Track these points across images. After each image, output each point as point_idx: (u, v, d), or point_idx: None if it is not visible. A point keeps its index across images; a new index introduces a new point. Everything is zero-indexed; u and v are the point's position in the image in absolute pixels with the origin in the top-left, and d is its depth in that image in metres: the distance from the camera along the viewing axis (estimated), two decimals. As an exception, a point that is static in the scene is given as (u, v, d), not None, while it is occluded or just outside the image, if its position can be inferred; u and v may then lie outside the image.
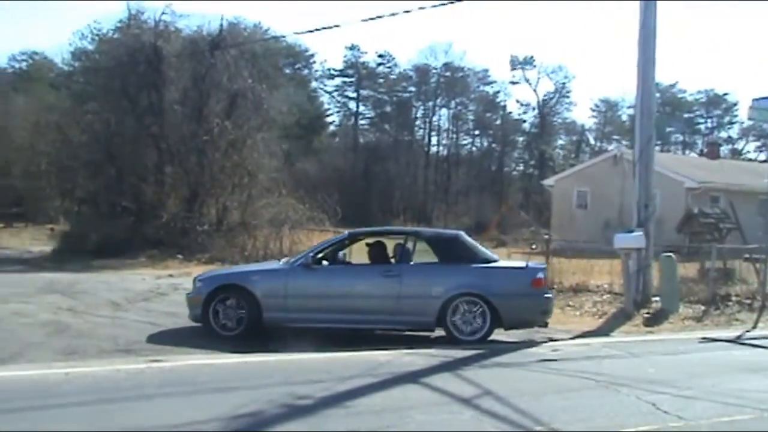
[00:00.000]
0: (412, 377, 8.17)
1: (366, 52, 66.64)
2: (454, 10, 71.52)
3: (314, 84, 67.12)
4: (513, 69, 66.78)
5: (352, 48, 65.88)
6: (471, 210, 54.29)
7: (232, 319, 10.57)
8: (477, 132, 69.29)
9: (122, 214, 25.56)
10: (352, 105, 68.71)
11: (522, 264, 11.27)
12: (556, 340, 11.32)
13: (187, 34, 28.30)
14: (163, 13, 26.92)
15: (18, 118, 38.83)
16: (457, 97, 66.99)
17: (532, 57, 65.70)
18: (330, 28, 18.26)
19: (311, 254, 11.10)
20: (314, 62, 66.53)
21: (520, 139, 69.47)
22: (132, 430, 5.90)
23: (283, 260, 11.65)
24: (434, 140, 69.03)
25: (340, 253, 11.42)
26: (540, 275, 10.92)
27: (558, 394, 7.59)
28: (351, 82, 67.75)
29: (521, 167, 70.78)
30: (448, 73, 65.64)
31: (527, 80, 66.96)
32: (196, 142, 25.33)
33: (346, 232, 12.14)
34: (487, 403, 7.00)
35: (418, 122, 67.92)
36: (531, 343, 10.94)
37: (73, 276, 17.96)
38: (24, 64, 56.69)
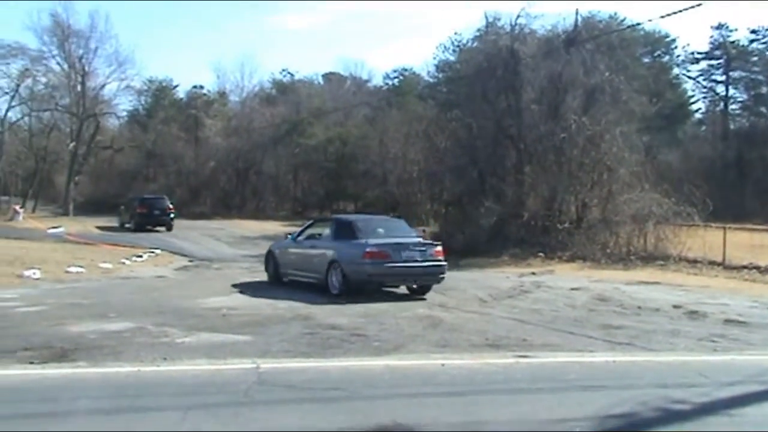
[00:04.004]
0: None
1: (736, 30, 60.66)
2: None
3: (676, 70, 63.02)
4: None
5: (719, 27, 60.51)
6: None
7: (270, 271, 16.88)
8: None
9: (485, 215, 26.60)
10: (721, 89, 63.08)
11: (363, 241, 14.29)
12: None
13: (542, 34, 28.60)
14: (518, 17, 27.55)
15: (392, 130, 42.81)
16: None
17: None
18: (692, 8, 16.84)
19: (297, 232, 16.98)
20: (675, 47, 62.41)
21: None
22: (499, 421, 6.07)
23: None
24: (826, 120, 60.27)
25: (313, 231, 16.56)
26: (369, 249, 14.02)
27: None
28: (719, 64, 62.20)
29: None
30: (844, 41, 56.85)
31: None
32: (554, 140, 25.37)
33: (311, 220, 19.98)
34: None
35: (803, 101, 59.95)
36: None
37: (443, 273, 19.19)
38: (396, 80, 62.33)
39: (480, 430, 5.90)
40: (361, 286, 14.27)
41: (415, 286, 14.85)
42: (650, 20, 42.29)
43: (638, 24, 48.66)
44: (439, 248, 14.87)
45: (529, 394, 7.08)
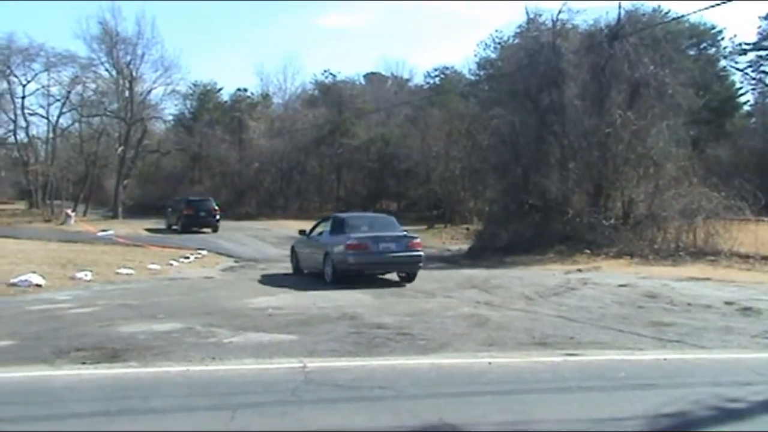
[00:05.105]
0: None
1: (785, 19, 59.05)
2: None
3: (723, 62, 61.59)
4: None
5: (767, 17, 59.07)
6: None
7: (294, 264, 19.21)
8: None
9: (529, 212, 26.36)
10: (771, 80, 61.55)
11: (347, 235, 16.30)
12: None
13: (584, 28, 28.24)
14: (559, 12, 27.27)
15: (434, 129, 42.72)
16: None
17: None
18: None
19: (308, 230, 19.00)
20: (722, 39, 60.94)
21: None
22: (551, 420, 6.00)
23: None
24: None
25: (319, 229, 18.39)
26: (350, 241, 16.01)
27: None
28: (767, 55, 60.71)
29: None
30: None
31: None
32: (598, 135, 25.02)
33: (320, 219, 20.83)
34: None
35: None
36: None
37: (487, 272, 19.13)
38: (437, 79, 62.14)
39: (528, 429, 5.84)
40: (346, 274, 16.11)
41: (402, 275, 16.81)
42: (704, 9, 41.17)
43: (683, 16, 47.77)
44: (417, 240, 16.90)
45: (578, 392, 6.99)
